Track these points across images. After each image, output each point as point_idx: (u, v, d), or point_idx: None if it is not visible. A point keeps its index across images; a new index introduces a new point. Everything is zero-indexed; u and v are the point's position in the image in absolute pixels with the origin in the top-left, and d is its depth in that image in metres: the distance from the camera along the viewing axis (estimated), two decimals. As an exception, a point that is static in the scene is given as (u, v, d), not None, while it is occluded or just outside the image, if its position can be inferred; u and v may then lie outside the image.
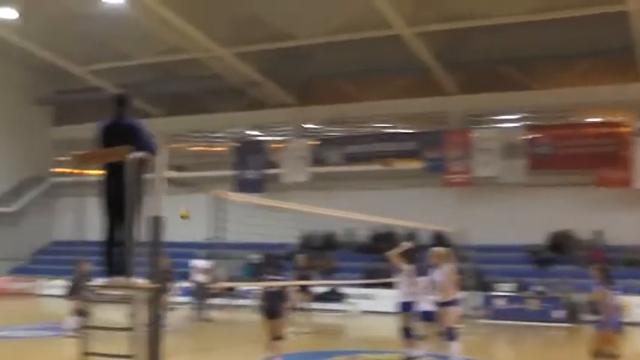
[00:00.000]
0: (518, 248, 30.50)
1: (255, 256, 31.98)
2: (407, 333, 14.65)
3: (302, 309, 20.76)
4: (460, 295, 14.67)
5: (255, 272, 30.16)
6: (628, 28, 27.04)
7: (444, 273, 14.30)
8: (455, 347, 13.87)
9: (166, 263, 13.64)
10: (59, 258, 39.82)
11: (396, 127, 35.83)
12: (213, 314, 25.66)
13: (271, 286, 14.08)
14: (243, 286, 16.17)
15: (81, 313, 19.13)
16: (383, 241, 33.23)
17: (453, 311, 14.26)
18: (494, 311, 27.09)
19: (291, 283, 17.43)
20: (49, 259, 40.45)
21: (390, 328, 19.95)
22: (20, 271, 39.77)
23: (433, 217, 26.61)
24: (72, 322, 19.39)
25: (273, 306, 13.97)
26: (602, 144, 30.08)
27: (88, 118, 37.12)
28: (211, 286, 22.23)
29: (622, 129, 30.22)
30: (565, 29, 29.40)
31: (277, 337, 13.98)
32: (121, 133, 8.18)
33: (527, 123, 33.01)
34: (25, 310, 30.05)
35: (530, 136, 31.42)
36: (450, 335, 13.96)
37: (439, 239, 31.88)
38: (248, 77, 34.71)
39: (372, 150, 34.17)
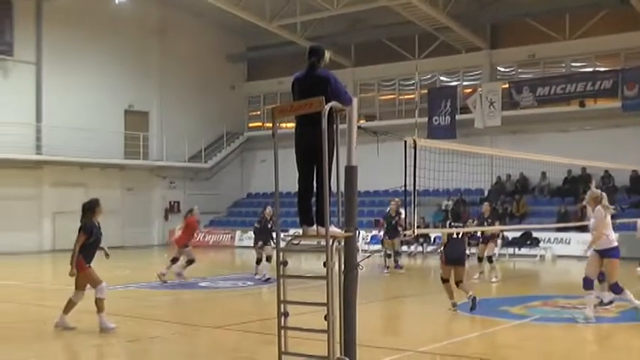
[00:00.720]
0: None
1: (446, 203, 32.00)
2: (601, 277, 14.22)
3: (489, 258, 20.53)
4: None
5: (445, 219, 30.25)
6: None
7: (595, 217, 13.29)
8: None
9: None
10: (254, 210, 41.33)
11: (591, 66, 34.62)
12: (405, 261, 25.92)
13: (451, 234, 14.28)
14: (432, 233, 16.35)
15: (267, 259, 19.95)
16: (578, 183, 32.55)
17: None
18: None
19: (470, 229, 17.37)
20: (244, 212, 41.98)
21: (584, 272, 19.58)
22: (218, 224, 41.44)
23: (632, 157, 25.71)
24: (262, 268, 20.23)
25: (452, 252, 14.28)
26: None
27: (280, 73, 38.37)
28: (401, 232, 22.33)
29: None
30: None
31: (459, 282, 14.30)
32: (313, 84, 8.25)
33: None
34: (223, 261, 31.28)
35: None
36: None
37: (637, 180, 30.93)
38: (438, 22, 34.42)
39: (567, 90, 33.22)
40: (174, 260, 21.00)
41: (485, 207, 21.59)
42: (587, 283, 13.03)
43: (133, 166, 39.06)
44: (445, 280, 14.48)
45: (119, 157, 38.18)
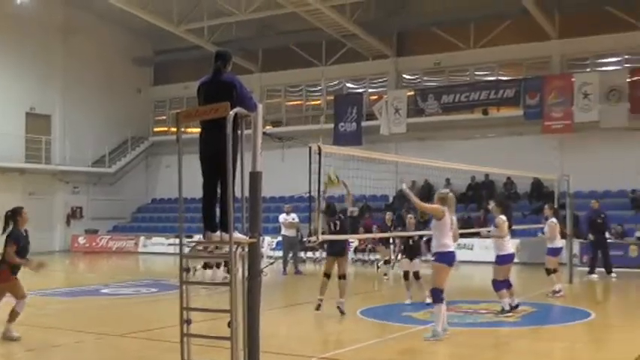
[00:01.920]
0: (619, 194, 29.96)
1: (351, 209, 32.16)
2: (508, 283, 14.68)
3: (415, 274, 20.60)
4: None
5: (353, 224, 30.37)
6: None
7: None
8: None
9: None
10: (159, 215, 40.94)
11: (495, 75, 35.32)
12: (308, 268, 26.00)
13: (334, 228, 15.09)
14: (336, 238, 16.49)
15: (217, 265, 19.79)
16: (481, 190, 33.19)
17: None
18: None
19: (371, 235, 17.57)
20: (149, 217, 41.59)
21: (487, 277, 19.91)
22: (121, 230, 40.94)
23: (533, 164, 26.28)
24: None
25: (334, 246, 15.12)
26: None
27: (187, 77, 38.08)
28: (304, 239, 22.48)
29: None
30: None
31: (342, 276, 14.95)
32: (219, 89, 8.24)
33: (630, 65, 32.13)
34: (126, 268, 30.87)
35: (633, 79, 30.56)
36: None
37: (538, 187, 31.64)
38: (345, 29, 34.65)
39: (471, 99, 33.80)
40: None
41: (388, 216, 22.16)
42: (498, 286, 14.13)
43: (34, 171, 38.11)
44: (326, 275, 15.04)
45: (20, 161, 37.23)
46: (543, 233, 18.24)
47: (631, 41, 31.84)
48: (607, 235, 23.74)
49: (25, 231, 12.32)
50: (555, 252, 18.07)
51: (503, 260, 14.69)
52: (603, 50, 32.82)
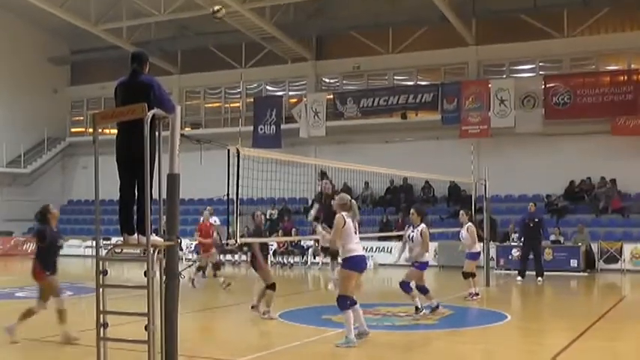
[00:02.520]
0: (535, 198, 30.53)
1: (271, 212, 32.24)
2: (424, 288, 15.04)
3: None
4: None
5: (272, 227, 30.42)
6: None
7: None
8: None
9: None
10: (75, 217, 40.27)
11: (413, 79, 35.70)
12: (227, 271, 25.88)
13: None
14: (254, 241, 16.59)
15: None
16: (400, 193, 33.52)
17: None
18: (510, 262, 27.19)
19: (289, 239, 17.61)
20: (65, 219, 40.87)
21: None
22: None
23: (450, 168, 26.62)
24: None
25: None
26: (618, 92, 29.88)
27: (105, 77, 37.56)
28: (224, 242, 22.39)
29: (639, 77, 29.96)
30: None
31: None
32: (136, 90, 8.15)
33: (545, 72, 32.82)
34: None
35: (547, 85, 31.23)
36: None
37: (456, 191, 32.10)
38: (264, 32, 34.62)
39: (389, 102, 34.06)
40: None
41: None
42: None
43: (-56, 170, 37.22)
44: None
45: None
46: (461, 239, 18.37)
47: (545, 49, 32.58)
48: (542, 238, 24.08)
49: (57, 227, 12.40)
50: (474, 256, 18.21)
51: (422, 267, 14.96)
52: (518, 57, 33.50)
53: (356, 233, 11.75)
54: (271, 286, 14.53)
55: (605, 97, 30.12)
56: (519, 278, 23.36)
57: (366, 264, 12.30)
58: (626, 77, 30.30)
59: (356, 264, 11.65)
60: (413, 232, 15.21)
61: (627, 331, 14.06)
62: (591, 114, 30.27)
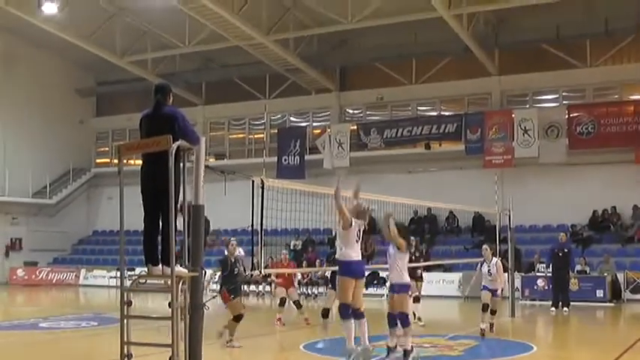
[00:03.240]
0: (559, 228, 30.39)
1: (295, 242, 32.27)
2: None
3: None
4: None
5: (296, 258, 30.42)
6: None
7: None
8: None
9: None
10: (100, 248, 40.50)
11: (437, 110, 35.75)
12: (253, 301, 25.85)
13: None
14: (279, 272, 16.65)
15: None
16: (424, 223, 33.45)
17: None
18: (535, 292, 27.04)
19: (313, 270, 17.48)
20: (89, 250, 41.15)
21: (430, 311, 20.02)
22: (62, 262, 40.41)
23: (474, 198, 26.58)
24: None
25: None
26: (642, 122, 29.83)
27: (130, 109, 37.85)
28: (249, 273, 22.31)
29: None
30: (607, 5, 29.27)
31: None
32: (161, 122, 8.23)
33: (568, 102, 32.77)
34: (66, 301, 30.43)
35: (571, 115, 31.16)
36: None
37: (480, 221, 32.00)
38: (288, 63, 34.84)
39: (413, 133, 34.09)
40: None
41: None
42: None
43: (-28, 201, 37.54)
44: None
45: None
46: (490, 274, 16.93)
47: (568, 79, 32.58)
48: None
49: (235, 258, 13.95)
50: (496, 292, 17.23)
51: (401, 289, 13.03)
52: (542, 87, 33.49)
53: (357, 242, 11.56)
54: (237, 318, 14.48)
55: (629, 126, 30.02)
56: (553, 309, 23.22)
57: (363, 271, 11.99)
58: (648, 107, 30.25)
59: (351, 269, 11.45)
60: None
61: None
62: (615, 143, 30.18)
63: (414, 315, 17.46)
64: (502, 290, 17.96)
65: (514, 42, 32.51)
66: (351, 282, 11.44)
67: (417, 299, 18.50)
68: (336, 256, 11.62)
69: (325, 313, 16.79)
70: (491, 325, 16.96)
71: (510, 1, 28.90)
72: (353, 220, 11.45)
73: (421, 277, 19.91)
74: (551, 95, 33.82)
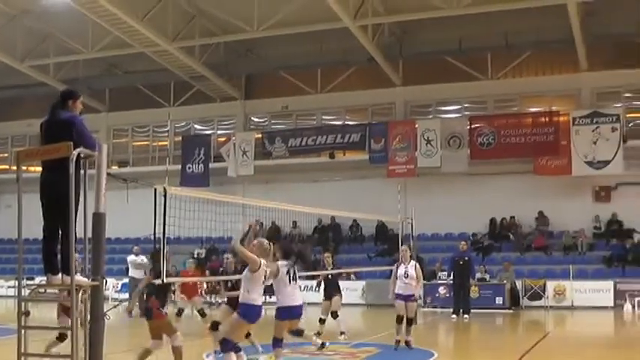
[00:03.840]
0: (461, 236, 30.96)
1: (198, 251, 32.08)
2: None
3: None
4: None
5: (200, 266, 30.19)
6: (568, 20, 27.49)
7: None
8: None
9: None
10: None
11: (342, 119, 36.02)
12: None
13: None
14: (180, 281, 16.62)
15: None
16: (328, 232, 33.66)
17: None
18: (437, 299, 27.48)
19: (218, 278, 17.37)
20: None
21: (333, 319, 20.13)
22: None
23: (378, 207, 26.86)
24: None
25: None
26: (541, 133, 30.55)
27: (30, 114, 37.02)
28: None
29: (561, 118, 30.70)
30: (507, 20, 29.95)
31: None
32: (58, 128, 8.12)
33: (470, 113, 33.43)
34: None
35: (473, 126, 31.76)
36: None
37: (383, 230, 32.37)
38: (193, 71, 34.64)
39: (317, 142, 34.24)
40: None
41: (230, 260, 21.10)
42: None
43: None
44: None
45: None
46: (407, 276, 15.98)
47: (470, 91, 33.30)
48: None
49: None
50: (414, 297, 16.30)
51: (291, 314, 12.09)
52: (444, 98, 34.12)
53: (263, 285, 11.01)
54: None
55: (527, 137, 30.76)
56: (454, 316, 23.64)
57: (259, 315, 10.95)
58: (547, 119, 30.99)
59: (250, 314, 10.81)
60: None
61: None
62: (515, 154, 30.92)
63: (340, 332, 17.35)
64: (418, 295, 17.31)
65: (418, 53, 33.01)
66: (246, 326, 11.08)
67: (334, 314, 18.19)
68: (240, 299, 10.87)
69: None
70: (408, 342, 15.82)
71: (414, 14, 29.30)
72: (261, 261, 10.90)
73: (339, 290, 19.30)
74: (453, 106, 34.48)
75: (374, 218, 29.05)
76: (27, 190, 7.88)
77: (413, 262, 16.25)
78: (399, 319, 15.69)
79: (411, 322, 16.00)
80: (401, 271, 16.08)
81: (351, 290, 29.67)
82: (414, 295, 16.10)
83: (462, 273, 24.17)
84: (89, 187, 7.92)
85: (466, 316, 23.42)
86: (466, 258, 24.34)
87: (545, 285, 27.72)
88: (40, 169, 8.28)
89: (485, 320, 24.23)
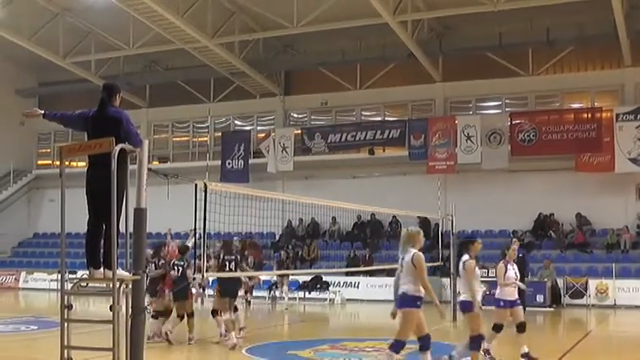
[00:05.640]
0: (501, 234, 30.77)
1: (237, 245, 32.11)
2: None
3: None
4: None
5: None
6: (611, 14, 27.17)
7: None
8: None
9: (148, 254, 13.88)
10: (41, 250, 39.92)
11: (381, 115, 35.94)
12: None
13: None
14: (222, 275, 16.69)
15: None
16: (367, 228, 33.61)
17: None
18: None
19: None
20: (30, 252, 40.56)
21: (373, 315, 20.10)
22: (1, 264, 39.79)
23: (417, 204, 26.75)
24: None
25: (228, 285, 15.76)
26: (582, 130, 30.21)
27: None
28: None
29: (603, 114, 30.35)
30: (549, 15, 29.72)
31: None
32: (105, 124, 8.19)
33: (510, 109, 33.17)
34: (6, 304, 29.97)
35: (513, 122, 31.50)
36: None
37: (424, 226, 32.20)
38: (233, 67, 34.75)
39: (357, 138, 34.18)
40: None
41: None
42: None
43: None
44: (215, 312, 15.61)
45: None
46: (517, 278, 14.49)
47: (510, 86, 33.02)
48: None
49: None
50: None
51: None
52: (485, 94, 33.89)
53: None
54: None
55: (569, 134, 30.44)
56: None
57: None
58: (589, 115, 30.62)
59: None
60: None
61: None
62: (556, 151, 30.57)
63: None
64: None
65: (458, 49, 32.81)
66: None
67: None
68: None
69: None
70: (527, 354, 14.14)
71: (454, 9, 29.15)
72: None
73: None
74: (493, 102, 34.24)
75: (414, 214, 28.97)
76: (70, 185, 7.96)
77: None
78: (499, 328, 13.97)
79: (524, 327, 14.26)
80: (511, 272, 14.23)
81: (391, 287, 29.56)
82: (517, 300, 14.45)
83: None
84: (130, 182, 7.97)
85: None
86: (520, 255, 24.04)
87: (587, 283, 27.44)
88: (84, 164, 8.34)
89: (526, 318, 23.99)
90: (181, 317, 15.76)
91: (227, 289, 15.57)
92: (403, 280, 10.79)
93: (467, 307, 12.08)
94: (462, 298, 12.33)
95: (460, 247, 12.37)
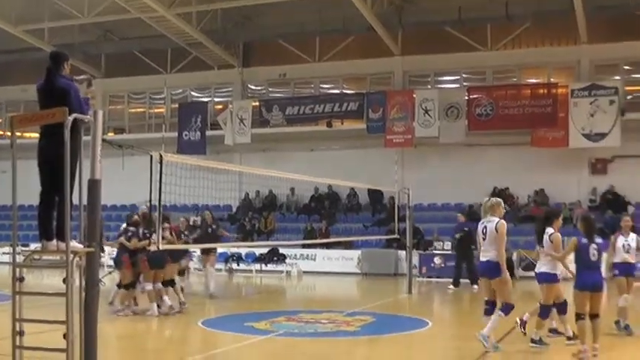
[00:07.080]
0: (457, 207, 30.94)
1: (194, 218, 32.00)
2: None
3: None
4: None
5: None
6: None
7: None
8: None
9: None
10: (-6, 223, 39.37)
11: (339, 88, 35.88)
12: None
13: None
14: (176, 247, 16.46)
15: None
16: (324, 201, 33.65)
17: None
18: (432, 269, 27.50)
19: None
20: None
21: (329, 287, 20.14)
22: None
23: (375, 177, 26.83)
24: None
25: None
26: (539, 105, 30.38)
27: (25, 80, 36.78)
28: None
29: (559, 90, 30.54)
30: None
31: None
32: (53, 94, 8.04)
33: (468, 84, 33.26)
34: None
35: (471, 97, 31.58)
36: None
37: (379, 199, 32.37)
38: (190, 38, 34.41)
39: (315, 111, 34.09)
40: None
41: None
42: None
43: None
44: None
45: None
46: (628, 250, 13.99)
47: (469, 61, 33.10)
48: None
49: None
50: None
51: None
52: (443, 68, 33.94)
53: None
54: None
55: (525, 109, 30.56)
56: (451, 287, 23.54)
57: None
58: (545, 90, 30.77)
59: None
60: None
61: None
62: (512, 125, 30.69)
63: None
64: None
65: (417, 23, 32.74)
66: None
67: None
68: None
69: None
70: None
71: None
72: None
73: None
74: (452, 77, 34.33)
75: (371, 187, 29.04)
76: (22, 157, 7.81)
77: (633, 235, 14.07)
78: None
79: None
80: (620, 243, 14.01)
81: (347, 259, 29.69)
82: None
83: (463, 244, 24.09)
84: (85, 154, 7.84)
85: (475, 286, 23.26)
86: (466, 229, 24.24)
87: (539, 256, 27.63)
88: (37, 134, 8.19)
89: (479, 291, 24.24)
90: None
91: (153, 261, 15.60)
92: (486, 248, 11.76)
93: (547, 278, 12.53)
94: (543, 269, 12.69)
95: (544, 220, 12.54)
